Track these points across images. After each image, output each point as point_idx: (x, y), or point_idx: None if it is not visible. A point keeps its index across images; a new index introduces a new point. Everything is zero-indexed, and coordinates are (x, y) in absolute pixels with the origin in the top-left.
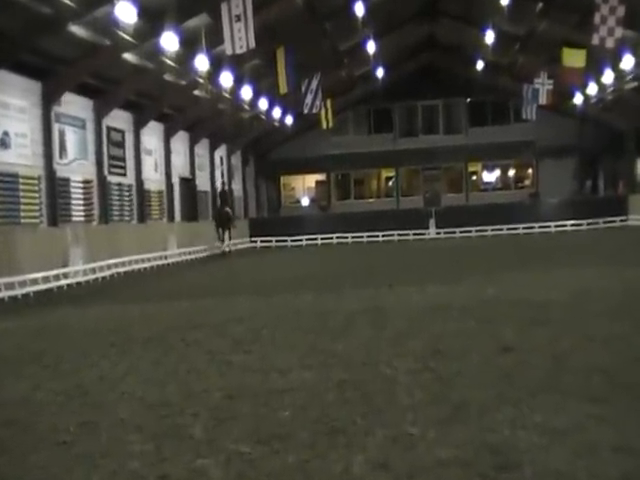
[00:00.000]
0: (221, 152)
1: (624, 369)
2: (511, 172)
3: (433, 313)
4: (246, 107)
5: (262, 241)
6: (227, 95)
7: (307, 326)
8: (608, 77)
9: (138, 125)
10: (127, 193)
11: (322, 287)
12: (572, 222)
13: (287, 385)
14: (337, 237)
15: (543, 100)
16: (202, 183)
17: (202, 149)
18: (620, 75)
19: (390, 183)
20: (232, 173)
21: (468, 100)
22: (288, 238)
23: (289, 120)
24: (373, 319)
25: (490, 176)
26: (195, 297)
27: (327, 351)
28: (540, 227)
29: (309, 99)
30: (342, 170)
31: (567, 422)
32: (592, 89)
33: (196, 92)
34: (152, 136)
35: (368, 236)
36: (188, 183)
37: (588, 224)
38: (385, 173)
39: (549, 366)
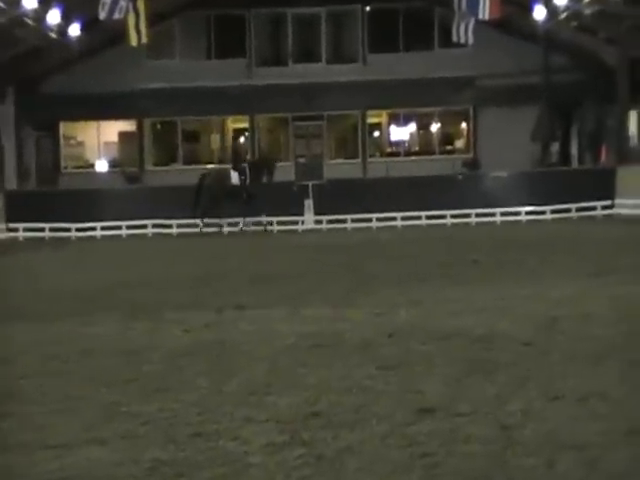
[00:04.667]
0: None
1: (609, 447)
2: (435, 127)
3: (310, 352)
4: (1, 5)
5: (27, 229)
6: None
7: (103, 373)
8: None
9: None
10: None
11: (129, 309)
12: (529, 209)
13: (65, 471)
14: (154, 225)
15: (484, 13)
16: None
17: None
18: None
19: (242, 140)
20: None
21: (368, 9)
22: (72, 226)
23: (74, 30)
24: (212, 362)
25: (401, 133)
26: None
27: (135, 414)
28: (479, 216)
29: None
30: (163, 116)
31: None
32: None
33: None
34: None
35: (206, 225)
36: None
37: (553, 212)
38: (233, 124)
39: (493, 439)
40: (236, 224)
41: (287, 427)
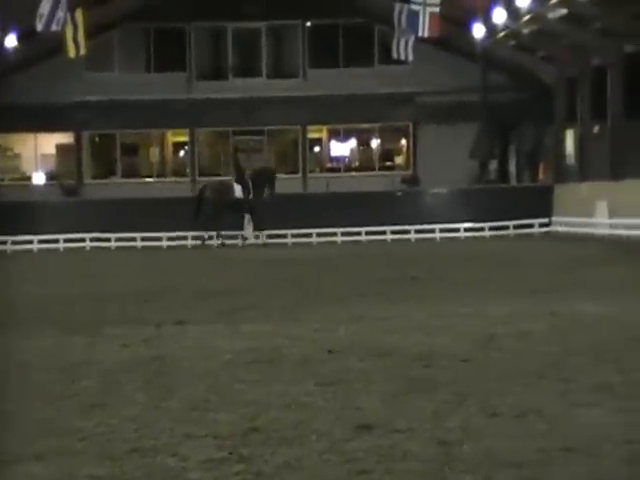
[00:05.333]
0: None
1: (546, 464)
2: (375, 143)
3: (249, 368)
4: None
5: None
6: None
7: (40, 388)
8: None
9: None
10: None
11: (67, 323)
12: (468, 226)
13: None
14: (92, 239)
15: (424, 31)
16: None
17: None
18: None
19: (182, 154)
20: None
21: (308, 24)
22: (8, 238)
23: (11, 41)
24: (151, 377)
25: (342, 148)
26: None
27: (72, 430)
28: (418, 232)
29: (46, 7)
30: (102, 129)
31: None
32: (499, 16)
33: None
34: None
35: (144, 239)
36: None
37: (492, 229)
38: (173, 137)
39: (431, 456)
40: (235, 237)
41: (226, 443)
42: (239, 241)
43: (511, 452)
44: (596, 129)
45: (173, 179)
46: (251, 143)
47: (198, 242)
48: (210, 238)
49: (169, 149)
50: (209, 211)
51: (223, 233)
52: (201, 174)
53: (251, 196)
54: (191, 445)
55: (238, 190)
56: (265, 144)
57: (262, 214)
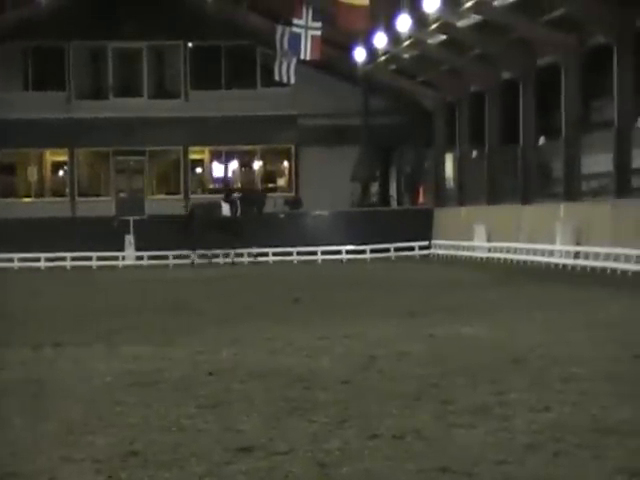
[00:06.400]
0: None
1: None
2: (257, 165)
3: (129, 391)
4: None
5: None
6: None
7: None
8: (403, 23)
9: None
10: None
11: None
12: (349, 248)
13: None
14: None
15: (306, 53)
16: None
17: None
18: (421, 21)
19: (61, 173)
20: None
21: (190, 45)
22: None
23: None
24: (28, 400)
25: (224, 170)
26: None
27: None
28: (300, 254)
29: None
30: None
31: None
32: (380, 40)
33: None
34: None
35: (21, 259)
36: None
37: (373, 252)
38: (52, 157)
39: (311, 478)
40: (226, 255)
41: (104, 466)
42: (119, 262)
43: (390, 473)
44: (474, 153)
45: (52, 199)
46: (132, 163)
47: (190, 262)
48: (205, 257)
49: (48, 169)
50: (197, 230)
51: (203, 252)
52: (80, 194)
53: (239, 214)
54: (69, 469)
55: (226, 209)
56: (146, 165)
57: (245, 233)
